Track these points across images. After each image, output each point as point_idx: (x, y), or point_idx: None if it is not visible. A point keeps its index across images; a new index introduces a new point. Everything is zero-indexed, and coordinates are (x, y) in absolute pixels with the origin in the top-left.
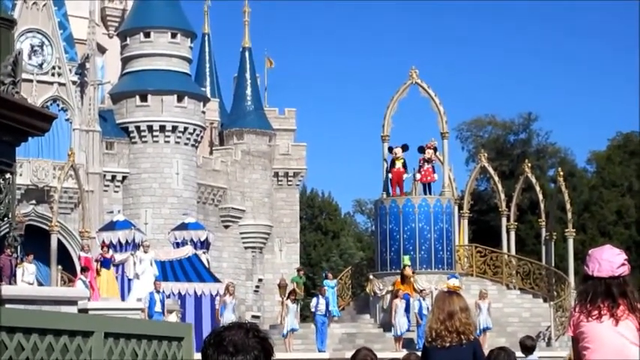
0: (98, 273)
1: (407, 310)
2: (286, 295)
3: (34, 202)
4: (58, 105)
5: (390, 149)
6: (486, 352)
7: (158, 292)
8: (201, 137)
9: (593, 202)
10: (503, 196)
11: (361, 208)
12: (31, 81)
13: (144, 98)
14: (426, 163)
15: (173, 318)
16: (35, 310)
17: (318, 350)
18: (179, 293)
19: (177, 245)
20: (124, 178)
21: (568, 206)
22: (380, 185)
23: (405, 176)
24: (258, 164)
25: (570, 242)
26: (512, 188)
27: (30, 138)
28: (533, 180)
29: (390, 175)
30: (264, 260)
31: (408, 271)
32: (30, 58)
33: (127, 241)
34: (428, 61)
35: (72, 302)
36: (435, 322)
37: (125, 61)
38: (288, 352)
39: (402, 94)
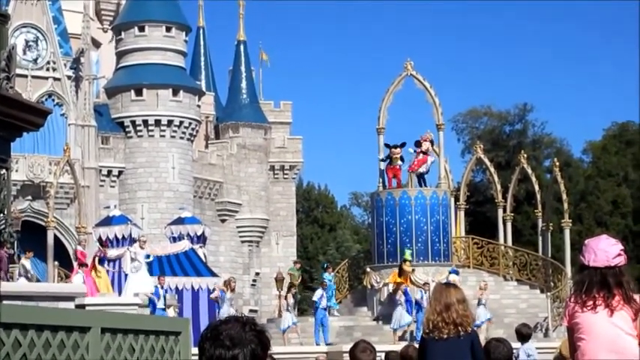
0: (96, 268)
1: (408, 303)
2: (286, 288)
3: (30, 198)
4: (53, 100)
5: (388, 146)
6: (483, 342)
7: (162, 287)
8: (197, 131)
9: (589, 192)
10: (499, 187)
11: (357, 200)
12: (25, 76)
13: (139, 92)
14: (420, 155)
15: (170, 312)
16: (32, 306)
17: (316, 343)
18: (176, 288)
19: (174, 240)
20: (119, 172)
21: (564, 196)
22: (376, 178)
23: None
24: (254, 158)
25: (567, 233)
26: (508, 179)
27: (25, 133)
28: (529, 171)
29: (386, 170)
30: (260, 254)
31: (408, 266)
32: (24, 53)
33: (123, 236)
34: (423, 52)
35: (69, 298)
36: (432, 313)
37: (120, 55)
38: (285, 345)
39: (397, 86)
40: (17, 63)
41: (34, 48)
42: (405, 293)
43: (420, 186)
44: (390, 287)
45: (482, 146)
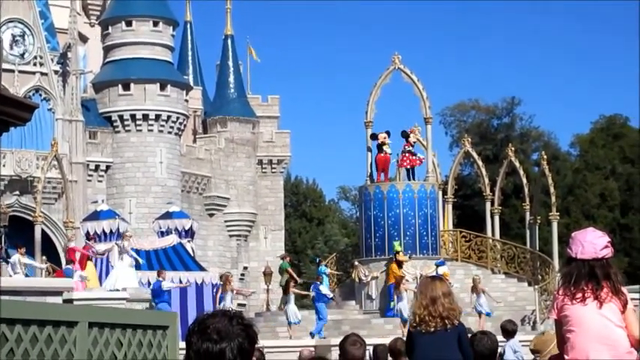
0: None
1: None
2: (289, 283)
3: (17, 192)
4: (40, 95)
5: (373, 135)
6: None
7: (164, 280)
8: (185, 126)
9: (576, 186)
10: (487, 180)
11: (345, 194)
12: (12, 71)
13: (126, 87)
14: (408, 147)
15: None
16: (18, 301)
17: (319, 337)
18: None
19: (162, 234)
20: (107, 167)
21: (552, 190)
22: (364, 171)
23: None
24: (242, 152)
25: (554, 226)
26: (496, 172)
27: (12, 128)
28: (517, 164)
29: (375, 160)
30: (249, 248)
31: (402, 256)
32: (11, 48)
33: (111, 231)
34: (411, 46)
35: (57, 293)
36: (419, 307)
37: (107, 50)
38: (292, 339)
39: (384, 80)
40: (4, 58)
41: (21, 43)
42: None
43: (410, 179)
44: (381, 280)
45: (470, 140)
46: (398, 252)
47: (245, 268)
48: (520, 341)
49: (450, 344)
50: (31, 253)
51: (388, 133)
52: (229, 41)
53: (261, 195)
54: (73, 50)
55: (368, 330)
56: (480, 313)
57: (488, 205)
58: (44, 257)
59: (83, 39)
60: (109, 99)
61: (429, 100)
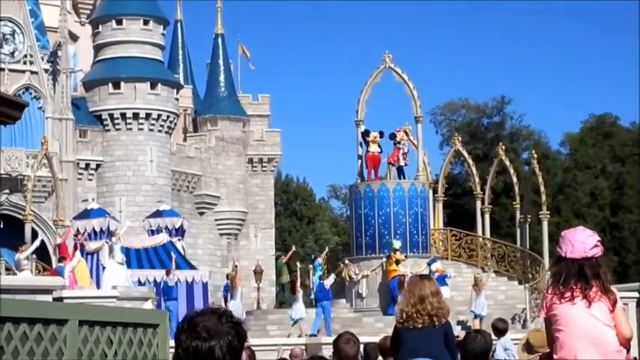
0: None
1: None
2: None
3: (7, 191)
4: (30, 93)
5: (366, 132)
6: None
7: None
8: (175, 124)
9: (567, 185)
10: (477, 179)
11: (336, 193)
12: (2, 69)
13: (117, 86)
14: (398, 146)
15: (148, 305)
16: (8, 299)
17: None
18: (154, 280)
19: (152, 233)
20: (97, 166)
21: (542, 189)
22: (354, 170)
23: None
24: (233, 150)
25: (545, 224)
26: (486, 171)
27: (2, 127)
28: (507, 163)
29: (365, 158)
30: (239, 247)
31: (399, 255)
32: (1, 46)
33: (101, 229)
34: (401, 45)
35: (47, 291)
36: (407, 305)
37: (97, 48)
38: (301, 337)
39: (375, 79)
40: None
41: (11, 41)
42: None
43: (400, 178)
44: (372, 278)
45: (460, 139)
46: (395, 250)
47: (235, 266)
48: (511, 339)
49: (437, 341)
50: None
51: (381, 133)
52: (220, 40)
53: (252, 193)
54: (63, 49)
55: (359, 328)
56: (475, 316)
57: (478, 203)
58: (34, 256)
59: (73, 37)
60: (100, 97)
61: (420, 98)
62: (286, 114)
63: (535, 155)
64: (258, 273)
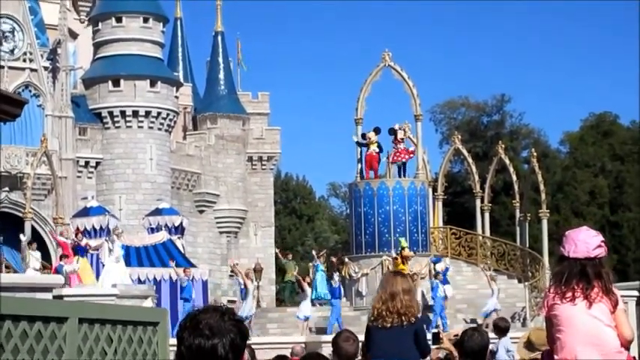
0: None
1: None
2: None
3: (7, 189)
4: (30, 91)
5: (363, 136)
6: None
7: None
8: (175, 122)
9: (566, 183)
10: (477, 177)
11: (335, 191)
12: (2, 67)
13: (116, 83)
14: (399, 144)
15: (148, 303)
16: (8, 297)
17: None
18: (154, 278)
19: (152, 231)
20: (97, 164)
21: (542, 187)
22: (354, 168)
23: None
24: (232, 149)
25: (544, 223)
26: (486, 170)
27: (2, 124)
28: (507, 161)
29: (364, 159)
30: (239, 245)
31: (408, 252)
32: (1, 44)
33: (101, 227)
34: (401, 43)
35: (47, 289)
36: (378, 301)
37: (97, 46)
38: (303, 335)
39: (375, 77)
40: None
41: (11, 39)
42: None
43: (400, 176)
44: (372, 277)
45: (460, 137)
46: (404, 248)
47: (235, 264)
48: (511, 338)
49: (405, 341)
50: (21, 249)
51: (377, 130)
52: (219, 38)
53: (251, 192)
54: (62, 46)
55: (358, 327)
56: (485, 317)
57: (478, 202)
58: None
59: (73, 35)
60: (99, 95)
61: (419, 97)
62: (286, 112)
63: (535, 153)
64: (257, 271)
